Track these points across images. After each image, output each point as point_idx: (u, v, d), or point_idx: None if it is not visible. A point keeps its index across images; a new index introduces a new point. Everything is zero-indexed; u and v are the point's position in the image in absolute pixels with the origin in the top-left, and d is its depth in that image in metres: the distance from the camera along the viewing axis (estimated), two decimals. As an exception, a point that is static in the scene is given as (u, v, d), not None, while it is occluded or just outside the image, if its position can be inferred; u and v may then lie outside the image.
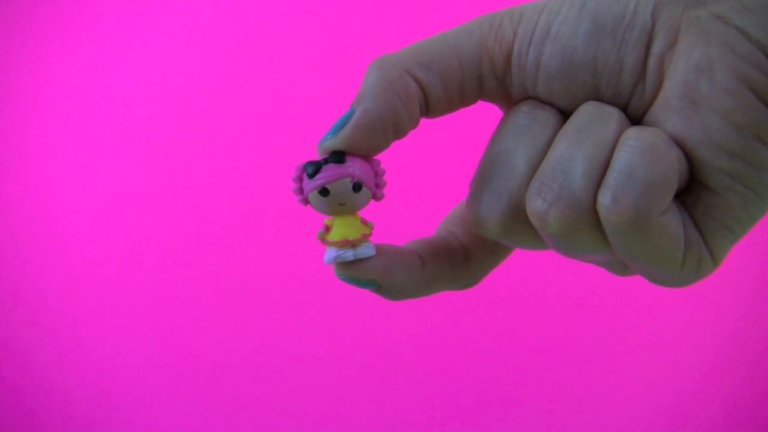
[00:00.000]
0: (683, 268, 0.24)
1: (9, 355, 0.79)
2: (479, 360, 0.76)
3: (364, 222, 0.27)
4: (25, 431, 0.79)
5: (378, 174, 0.26)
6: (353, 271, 0.26)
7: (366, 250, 0.26)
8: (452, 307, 0.75)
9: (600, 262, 0.25)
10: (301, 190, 0.26)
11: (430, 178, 0.73)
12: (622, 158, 0.22)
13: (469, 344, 0.76)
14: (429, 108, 0.26)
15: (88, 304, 0.78)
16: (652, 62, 0.24)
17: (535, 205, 0.23)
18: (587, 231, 0.23)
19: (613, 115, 0.24)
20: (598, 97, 0.25)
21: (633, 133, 0.23)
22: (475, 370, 0.76)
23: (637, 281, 0.76)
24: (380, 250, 0.27)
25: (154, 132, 0.77)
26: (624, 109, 0.24)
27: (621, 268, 0.26)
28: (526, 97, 0.26)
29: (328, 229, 0.27)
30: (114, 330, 0.78)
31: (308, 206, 0.26)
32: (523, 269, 0.73)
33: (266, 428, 0.78)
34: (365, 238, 0.26)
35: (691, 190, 0.24)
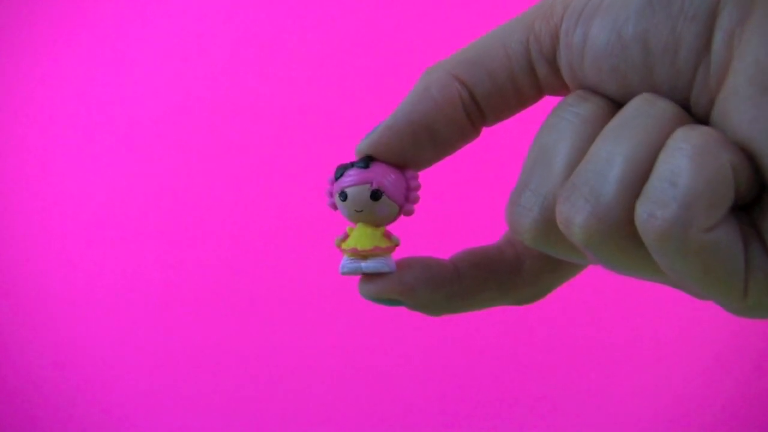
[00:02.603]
0: (747, 297, 0.20)
1: (9, 355, 0.78)
2: (478, 360, 0.76)
3: (388, 235, 0.25)
4: (25, 431, 0.79)
5: (411, 188, 0.25)
6: (370, 289, 0.25)
7: (376, 264, 0.25)
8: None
9: (669, 284, 0.22)
10: (331, 194, 0.25)
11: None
12: (665, 163, 0.19)
13: (469, 344, 0.76)
14: (482, 109, 0.24)
15: (88, 305, 0.78)
16: (718, 38, 0.20)
17: (562, 209, 0.21)
18: (620, 245, 0.20)
19: (665, 111, 0.20)
20: (652, 82, 0.21)
21: (680, 133, 0.19)
22: (474, 370, 0.76)
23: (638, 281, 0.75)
24: (406, 264, 0.25)
25: (156, 132, 0.77)
26: (686, 98, 0.21)
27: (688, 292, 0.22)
28: (579, 85, 0.23)
29: (346, 236, 0.25)
30: (114, 330, 0.78)
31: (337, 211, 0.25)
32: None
33: (266, 428, 0.78)
34: (379, 251, 0.25)
35: (761, 201, 0.20)
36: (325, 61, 0.75)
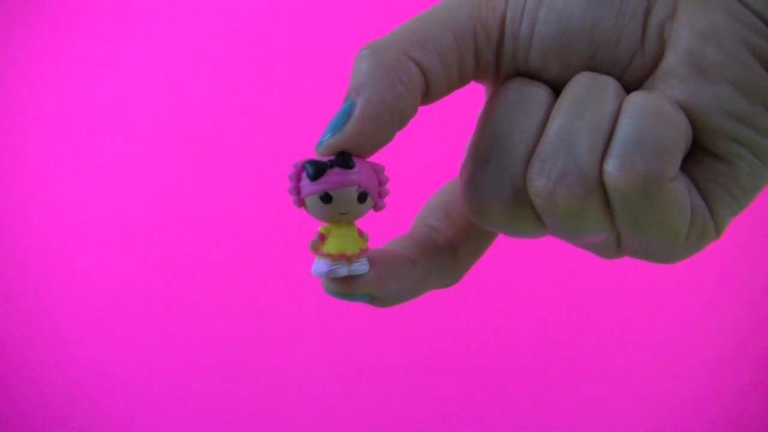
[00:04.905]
0: (688, 238, 0.23)
1: (9, 355, 0.79)
2: (478, 361, 0.76)
3: (360, 233, 0.24)
4: (25, 431, 0.79)
5: (382, 182, 0.24)
6: (347, 287, 0.24)
7: (361, 267, 0.23)
8: (451, 309, 0.75)
9: (594, 245, 0.24)
10: (297, 191, 0.23)
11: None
12: (628, 123, 0.21)
13: (468, 346, 0.76)
14: (428, 92, 0.24)
15: (89, 304, 0.78)
16: (651, 31, 0.23)
17: (538, 184, 0.22)
18: (595, 206, 0.22)
19: (609, 84, 0.23)
20: (593, 67, 0.23)
21: (638, 97, 0.22)
22: (473, 372, 0.76)
23: (640, 282, 0.75)
24: (373, 259, 0.24)
25: (155, 133, 0.77)
26: (618, 79, 0.23)
27: (613, 250, 0.24)
28: (515, 72, 0.24)
29: (323, 238, 0.24)
30: (114, 330, 0.78)
31: (302, 209, 0.23)
32: (522, 270, 0.73)
33: (266, 428, 0.78)
34: (362, 253, 0.24)
35: (695, 157, 0.23)
36: (321, 64, 0.75)
